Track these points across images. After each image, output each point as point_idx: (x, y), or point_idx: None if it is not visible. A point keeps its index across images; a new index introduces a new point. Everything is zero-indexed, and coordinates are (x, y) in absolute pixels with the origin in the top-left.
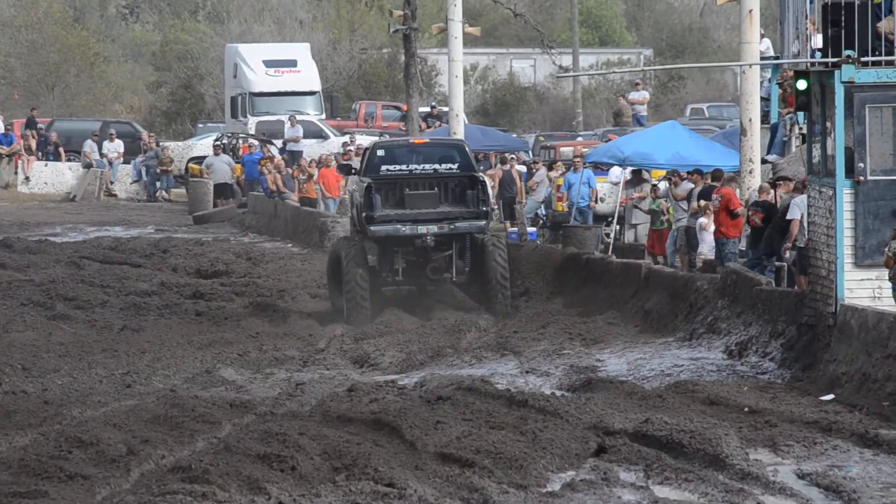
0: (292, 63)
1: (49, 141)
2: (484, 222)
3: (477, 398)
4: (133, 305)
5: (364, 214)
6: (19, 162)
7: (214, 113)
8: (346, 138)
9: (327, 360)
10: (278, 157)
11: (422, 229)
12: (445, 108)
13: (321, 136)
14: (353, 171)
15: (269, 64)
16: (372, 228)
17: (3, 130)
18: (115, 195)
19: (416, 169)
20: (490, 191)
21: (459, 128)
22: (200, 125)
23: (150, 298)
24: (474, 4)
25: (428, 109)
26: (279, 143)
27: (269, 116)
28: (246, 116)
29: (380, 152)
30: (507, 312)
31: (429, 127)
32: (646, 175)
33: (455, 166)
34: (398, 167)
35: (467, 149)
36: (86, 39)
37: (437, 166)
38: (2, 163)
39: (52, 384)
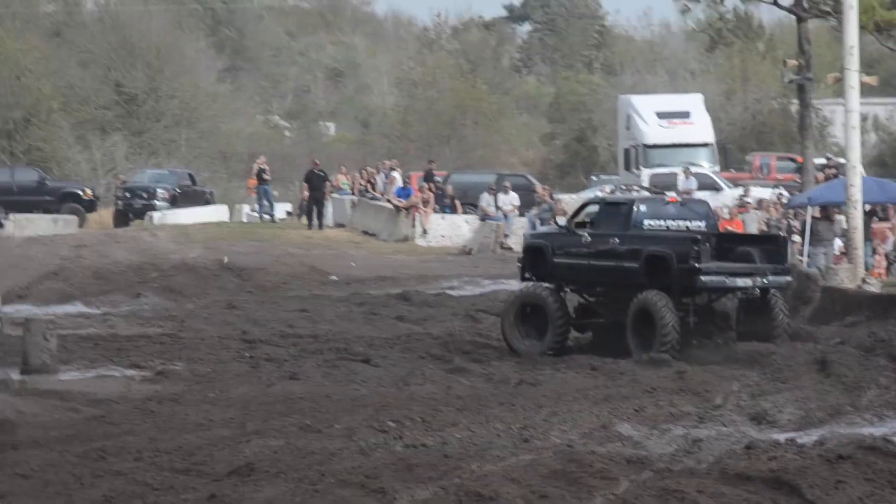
0: (685, 114)
1: (445, 194)
2: (789, 278)
3: (879, 458)
4: (528, 359)
5: (688, 266)
6: (417, 215)
7: (608, 165)
8: (740, 190)
9: (724, 417)
10: None
11: (741, 282)
12: (841, 160)
13: (715, 188)
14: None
15: (662, 115)
16: (703, 279)
17: (401, 184)
18: (511, 248)
19: (672, 225)
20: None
21: (856, 180)
22: (594, 177)
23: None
24: (871, 52)
25: (824, 161)
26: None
27: (662, 168)
28: (639, 168)
29: (643, 208)
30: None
31: (826, 179)
32: None
33: (703, 224)
34: (658, 222)
35: (711, 209)
36: (481, 93)
37: (688, 223)
38: (400, 216)
39: (451, 438)
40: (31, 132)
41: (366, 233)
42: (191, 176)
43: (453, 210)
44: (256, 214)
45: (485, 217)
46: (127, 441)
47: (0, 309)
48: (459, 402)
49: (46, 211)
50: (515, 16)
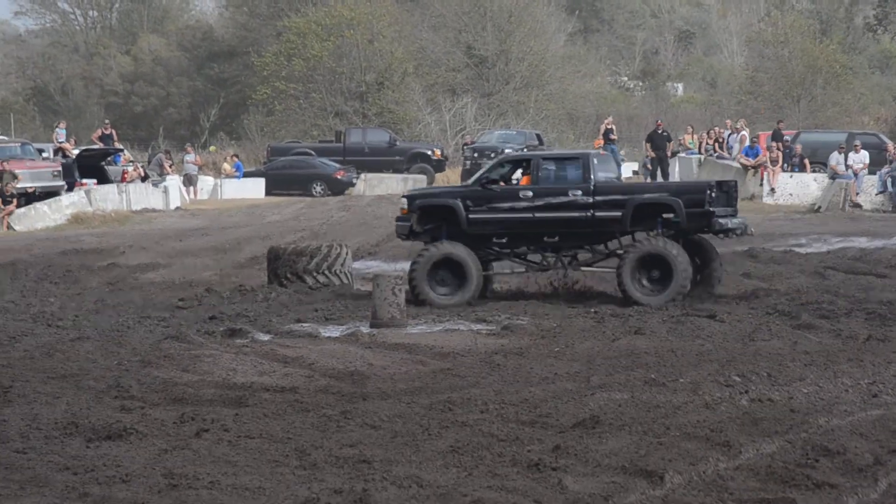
0: None
1: (794, 153)
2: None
3: None
4: (878, 316)
5: (703, 210)
6: (765, 174)
7: None
8: None
9: None
10: None
11: (729, 224)
12: None
13: None
14: None
15: None
16: (720, 220)
17: (748, 143)
18: (860, 206)
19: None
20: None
21: None
22: None
23: (894, 308)
24: None
25: None
26: None
27: None
28: None
29: (596, 161)
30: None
31: None
32: None
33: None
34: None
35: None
36: (832, 52)
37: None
38: (748, 175)
39: (797, 392)
40: (383, 94)
41: None
42: (538, 136)
43: (802, 169)
44: None
45: (834, 176)
46: (473, 393)
47: (351, 265)
48: (806, 357)
49: (396, 171)
50: None
